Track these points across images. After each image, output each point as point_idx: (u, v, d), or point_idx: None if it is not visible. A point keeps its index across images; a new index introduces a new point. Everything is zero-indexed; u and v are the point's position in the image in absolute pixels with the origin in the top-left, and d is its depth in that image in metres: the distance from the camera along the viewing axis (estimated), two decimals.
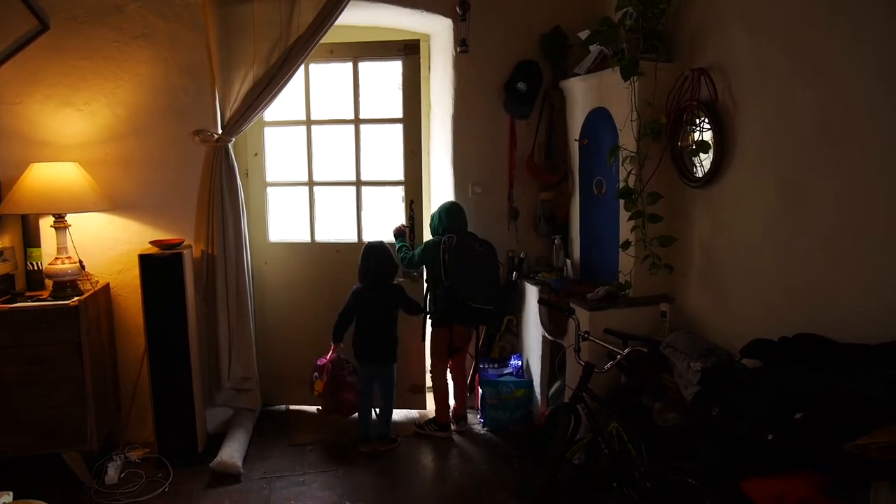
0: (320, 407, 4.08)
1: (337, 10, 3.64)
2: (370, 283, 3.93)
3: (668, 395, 3.10)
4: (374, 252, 3.94)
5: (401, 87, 4.22)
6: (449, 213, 4.01)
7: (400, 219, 4.37)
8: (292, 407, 4.52)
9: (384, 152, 4.44)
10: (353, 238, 4.35)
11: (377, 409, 4.07)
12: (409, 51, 4.13)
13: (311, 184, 4.32)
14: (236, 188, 3.86)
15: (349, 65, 4.19)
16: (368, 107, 4.30)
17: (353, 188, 4.32)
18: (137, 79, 3.76)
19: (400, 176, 4.28)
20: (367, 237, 4.23)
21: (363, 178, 4.30)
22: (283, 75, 3.72)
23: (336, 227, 4.47)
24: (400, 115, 4.22)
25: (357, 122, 4.23)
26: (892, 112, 2.40)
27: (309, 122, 4.26)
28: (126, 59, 3.72)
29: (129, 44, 3.71)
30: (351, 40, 4.26)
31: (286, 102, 4.17)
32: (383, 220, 4.50)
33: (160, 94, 3.80)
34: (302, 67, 3.89)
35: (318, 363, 4.02)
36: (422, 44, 4.57)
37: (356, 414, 4.03)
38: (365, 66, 4.23)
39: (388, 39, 4.22)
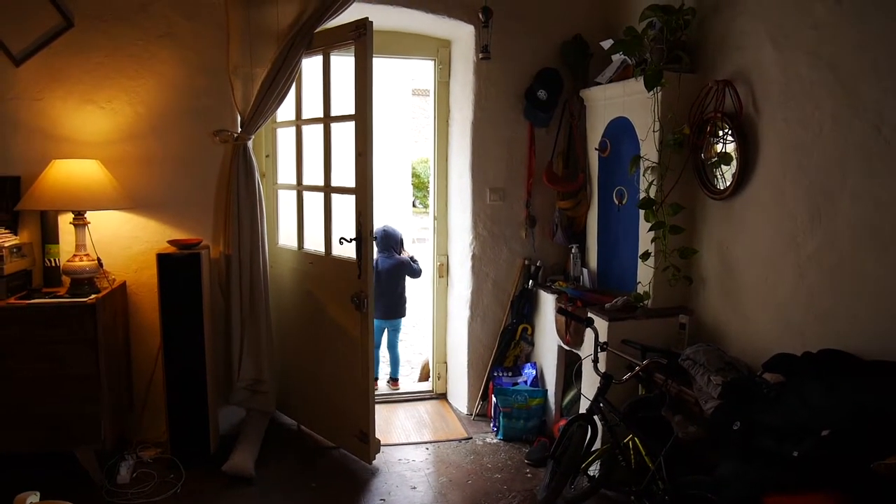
0: None
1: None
2: (384, 250, 5.07)
3: (687, 408, 3.07)
4: (381, 232, 5.06)
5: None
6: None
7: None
8: (304, 428, 4.24)
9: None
10: (321, 249, 3.89)
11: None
12: (359, 33, 3.44)
13: (299, 188, 4.04)
14: (254, 188, 3.82)
15: (324, 58, 3.78)
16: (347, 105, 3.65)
17: (322, 194, 3.87)
18: (160, 78, 3.76)
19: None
20: (337, 250, 3.83)
21: (334, 183, 3.81)
22: (287, 66, 3.67)
23: (317, 236, 4.02)
24: (352, 111, 3.58)
25: (327, 119, 3.79)
26: None
27: (299, 122, 4.00)
28: (149, 58, 3.73)
29: (153, 42, 3.72)
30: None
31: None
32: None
33: (182, 93, 3.81)
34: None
35: None
36: (442, 50, 4.59)
37: None
38: (340, 61, 3.82)
39: (341, 24, 3.61)
